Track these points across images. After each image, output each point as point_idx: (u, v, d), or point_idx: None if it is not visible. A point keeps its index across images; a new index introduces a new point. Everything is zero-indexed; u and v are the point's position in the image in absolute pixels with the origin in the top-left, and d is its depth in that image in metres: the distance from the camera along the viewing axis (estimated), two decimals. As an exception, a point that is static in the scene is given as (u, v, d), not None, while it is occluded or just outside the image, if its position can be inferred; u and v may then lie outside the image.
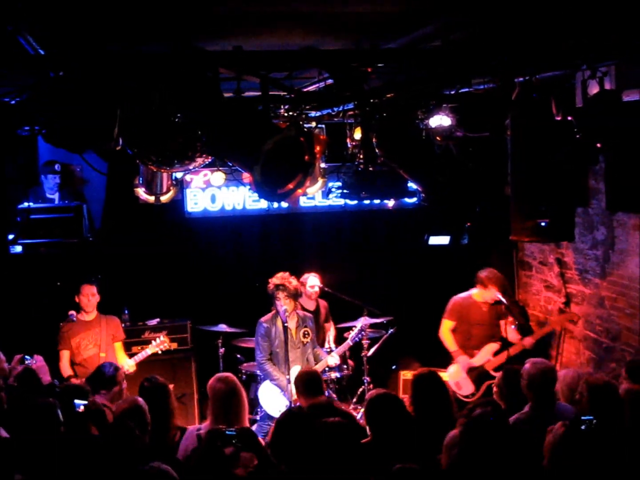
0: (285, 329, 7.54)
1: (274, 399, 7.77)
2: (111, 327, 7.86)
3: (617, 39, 4.66)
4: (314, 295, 8.70)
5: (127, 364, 7.65)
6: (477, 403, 5.58)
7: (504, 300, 7.75)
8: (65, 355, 7.63)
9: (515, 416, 5.54)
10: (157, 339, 8.06)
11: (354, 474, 4.23)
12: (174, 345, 8.49)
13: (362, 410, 8.18)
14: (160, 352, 8.04)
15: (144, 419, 5.20)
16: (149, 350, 7.93)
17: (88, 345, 7.67)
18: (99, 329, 7.75)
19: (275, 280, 7.70)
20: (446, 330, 8.18)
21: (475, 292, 8.15)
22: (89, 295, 7.68)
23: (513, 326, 7.92)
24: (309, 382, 6.13)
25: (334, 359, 7.92)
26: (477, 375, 8.03)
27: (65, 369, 7.59)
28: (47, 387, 6.23)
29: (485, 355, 8.06)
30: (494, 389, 6.16)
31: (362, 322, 8.26)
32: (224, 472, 4.02)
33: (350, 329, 8.61)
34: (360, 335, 8.25)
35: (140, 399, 5.37)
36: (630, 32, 4.54)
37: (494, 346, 8.09)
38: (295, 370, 7.53)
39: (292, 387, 7.34)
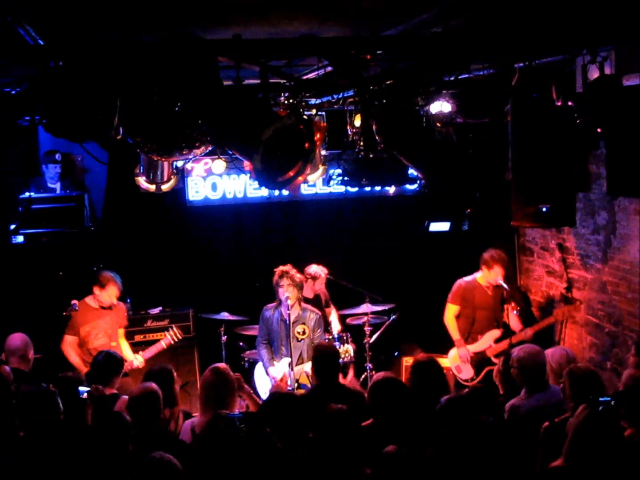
0: (286, 322, 7.47)
1: (262, 380, 7.92)
2: (119, 315, 7.81)
3: (617, 23, 4.65)
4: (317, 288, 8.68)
5: (137, 360, 7.62)
6: (472, 388, 5.63)
7: (505, 285, 7.75)
8: (69, 340, 7.46)
9: (512, 402, 5.58)
10: (170, 330, 7.96)
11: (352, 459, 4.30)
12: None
13: (365, 395, 8.23)
14: (173, 343, 7.96)
15: (157, 405, 5.21)
16: (163, 343, 7.86)
17: (98, 335, 7.56)
18: (109, 317, 7.66)
19: (280, 268, 7.69)
20: (450, 315, 8.18)
21: (479, 276, 8.14)
22: (115, 297, 7.62)
23: (515, 312, 7.90)
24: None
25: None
26: (478, 360, 8.05)
27: (72, 356, 7.41)
28: None
29: (487, 342, 8.07)
30: (495, 372, 6.20)
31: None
32: (228, 455, 4.03)
33: (352, 315, 8.65)
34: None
35: (154, 384, 5.36)
36: (630, 16, 4.53)
37: (495, 332, 8.10)
38: (283, 362, 7.55)
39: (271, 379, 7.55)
